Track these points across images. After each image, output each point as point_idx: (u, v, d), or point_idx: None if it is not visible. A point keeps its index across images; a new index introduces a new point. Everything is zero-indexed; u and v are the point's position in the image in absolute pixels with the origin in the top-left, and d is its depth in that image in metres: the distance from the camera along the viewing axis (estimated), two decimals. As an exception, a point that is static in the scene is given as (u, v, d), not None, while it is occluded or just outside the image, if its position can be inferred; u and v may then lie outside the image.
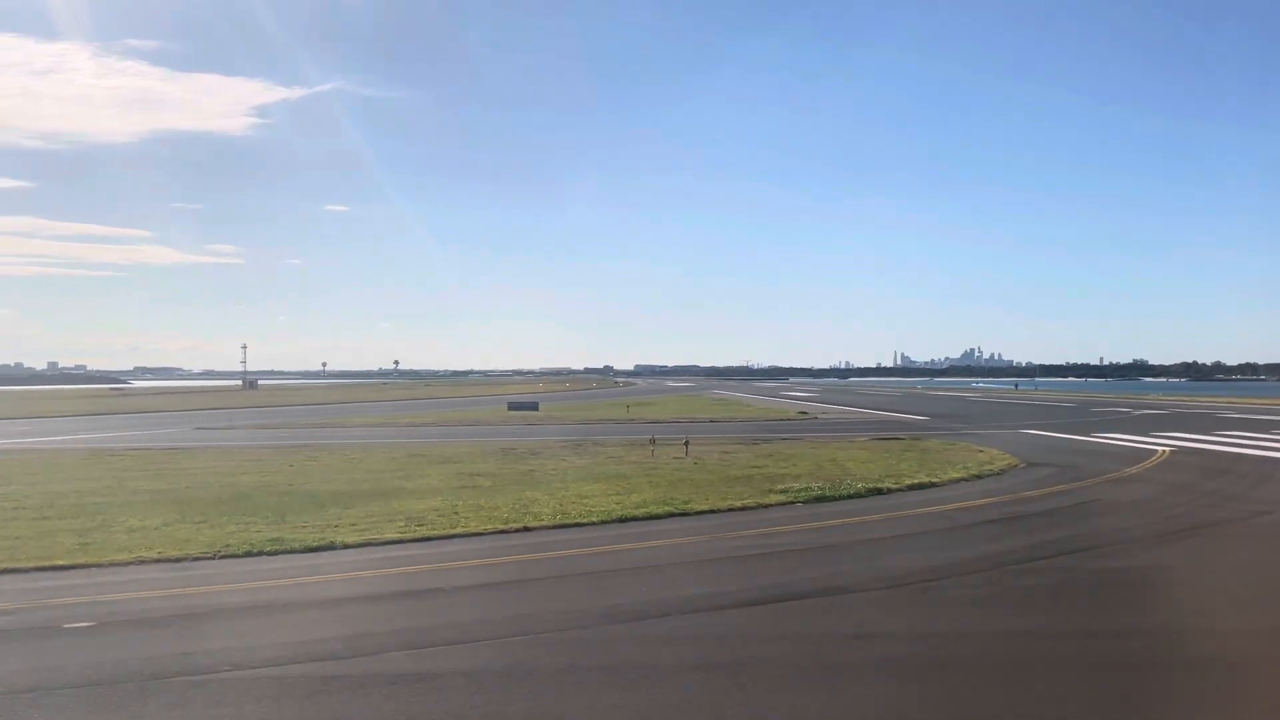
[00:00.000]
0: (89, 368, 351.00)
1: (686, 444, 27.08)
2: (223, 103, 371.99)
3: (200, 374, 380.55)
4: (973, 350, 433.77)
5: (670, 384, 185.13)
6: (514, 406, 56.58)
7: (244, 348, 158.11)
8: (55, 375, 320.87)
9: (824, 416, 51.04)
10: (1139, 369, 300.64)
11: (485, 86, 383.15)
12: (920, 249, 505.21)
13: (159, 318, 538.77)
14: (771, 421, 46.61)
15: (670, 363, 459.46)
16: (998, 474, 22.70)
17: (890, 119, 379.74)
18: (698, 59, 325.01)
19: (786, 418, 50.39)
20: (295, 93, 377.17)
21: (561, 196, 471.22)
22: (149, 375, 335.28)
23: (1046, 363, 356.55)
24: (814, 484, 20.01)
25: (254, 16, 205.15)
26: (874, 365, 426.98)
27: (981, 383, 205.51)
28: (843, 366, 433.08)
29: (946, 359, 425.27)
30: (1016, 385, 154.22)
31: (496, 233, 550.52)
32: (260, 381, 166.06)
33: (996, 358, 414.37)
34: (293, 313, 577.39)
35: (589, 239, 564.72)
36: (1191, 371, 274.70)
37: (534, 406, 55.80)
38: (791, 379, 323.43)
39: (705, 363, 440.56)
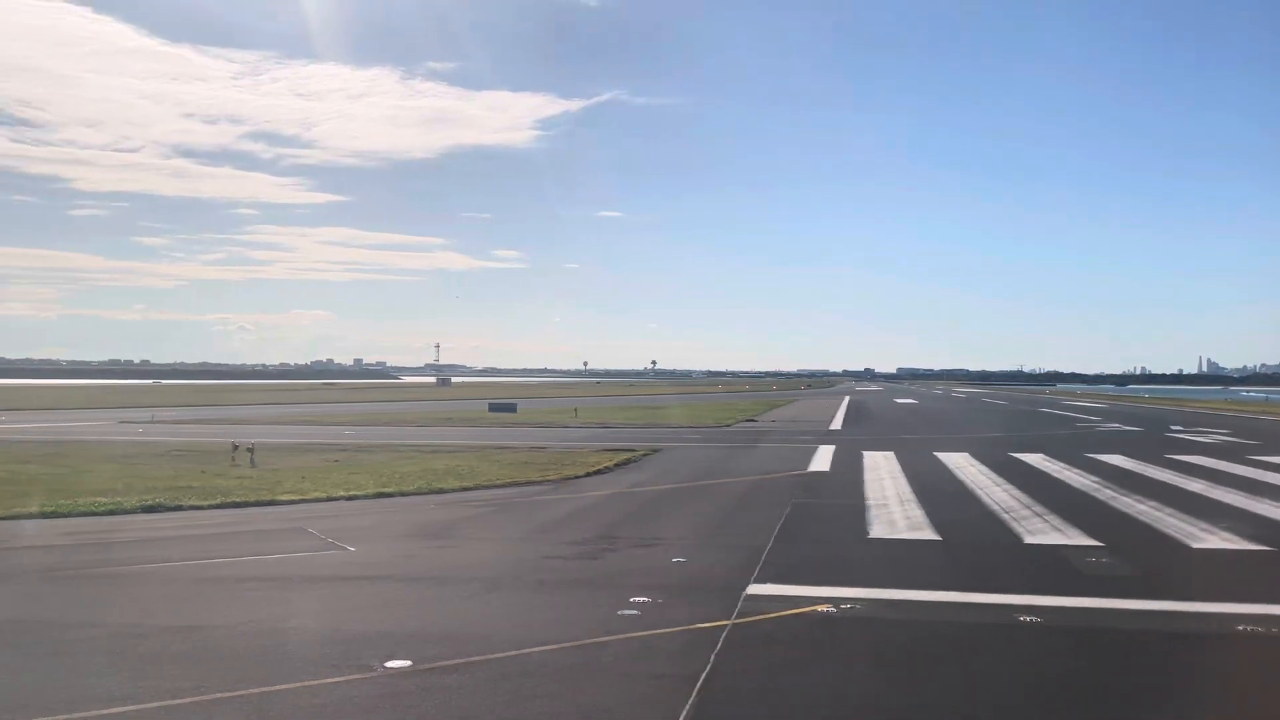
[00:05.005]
0: (388, 364, 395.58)
1: (250, 451, 26.18)
2: (510, 117, 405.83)
3: (482, 370, 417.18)
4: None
5: (859, 387, 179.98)
6: (494, 408, 58.55)
7: (437, 347, 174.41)
8: (357, 371, 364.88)
9: (772, 426, 48.31)
10: None
11: (750, 91, 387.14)
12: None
13: (452, 319, 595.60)
14: (683, 429, 45.12)
15: (939, 366, 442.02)
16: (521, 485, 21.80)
17: (1216, 112, 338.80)
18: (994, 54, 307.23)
19: (719, 424, 48.29)
20: (575, 105, 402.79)
21: (828, 200, 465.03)
22: (431, 371, 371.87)
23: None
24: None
25: (540, 36, 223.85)
26: (1174, 372, 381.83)
27: (1250, 392, 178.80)
28: (1136, 372, 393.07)
29: (1263, 365, 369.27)
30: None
31: (762, 236, 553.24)
32: (498, 381, 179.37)
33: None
34: (567, 314, 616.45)
35: (862, 244, 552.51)
36: None
37: (512, 408, 57.34)
38: (1059, 384, 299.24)
39: (977, 366, 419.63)
